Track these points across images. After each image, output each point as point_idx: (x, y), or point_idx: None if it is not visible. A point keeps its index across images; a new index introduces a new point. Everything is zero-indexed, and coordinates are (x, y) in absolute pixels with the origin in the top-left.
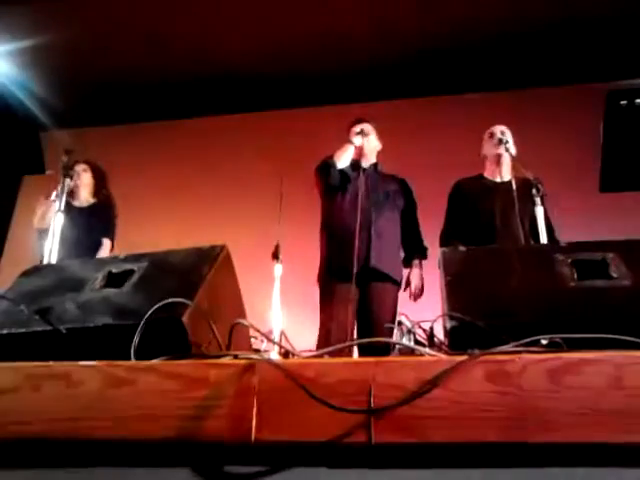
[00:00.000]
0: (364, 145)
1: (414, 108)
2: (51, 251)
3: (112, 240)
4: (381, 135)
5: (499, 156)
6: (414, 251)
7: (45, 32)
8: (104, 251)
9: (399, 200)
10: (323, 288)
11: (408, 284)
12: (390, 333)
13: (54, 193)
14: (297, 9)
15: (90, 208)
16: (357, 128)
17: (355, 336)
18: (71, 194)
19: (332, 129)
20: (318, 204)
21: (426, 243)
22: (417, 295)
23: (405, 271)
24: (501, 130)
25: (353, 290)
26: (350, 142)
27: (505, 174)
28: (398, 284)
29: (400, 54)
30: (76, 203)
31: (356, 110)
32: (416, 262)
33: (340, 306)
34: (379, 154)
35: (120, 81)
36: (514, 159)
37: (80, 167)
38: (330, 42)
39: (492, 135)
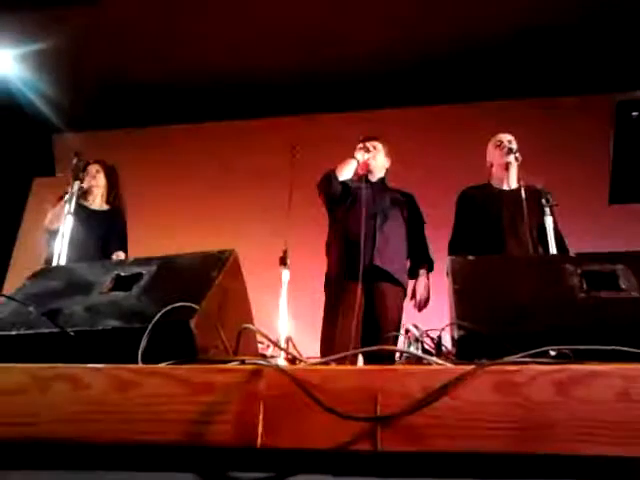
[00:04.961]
0: (370, 162)
1: (423, 116)
2: (60, 253)
3: (126, 253)
4: (391, 143)
5: (507, 164)
6: (420, 262)
7: (58, 36)
8: None
9: (405, 211)
10: (328, 295)
11: (414, 294)
12: (395, 340)
13: (66, 194)
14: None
15: (104, 214)
16: (363, 144)
17: (359, 342)
18: (84, 195)
19: (341, 136)
20: (326, 211)
21: (433, 256)
22: (422, 305)
23: (411, 282)
24: (508, 139)
25: (359, 295)
26: (353, 157)
27: (512, 182)
28: (403, 287)
29: (408, 61)
30: (91, 205)
31: (367, 117)
32: (422, 272)
33: (344, 312)
34: (387, 171)
35: (132, 84)
36: (522, 169)
37: (93, 168)
38: (341, 48)
39: (500, 143)
